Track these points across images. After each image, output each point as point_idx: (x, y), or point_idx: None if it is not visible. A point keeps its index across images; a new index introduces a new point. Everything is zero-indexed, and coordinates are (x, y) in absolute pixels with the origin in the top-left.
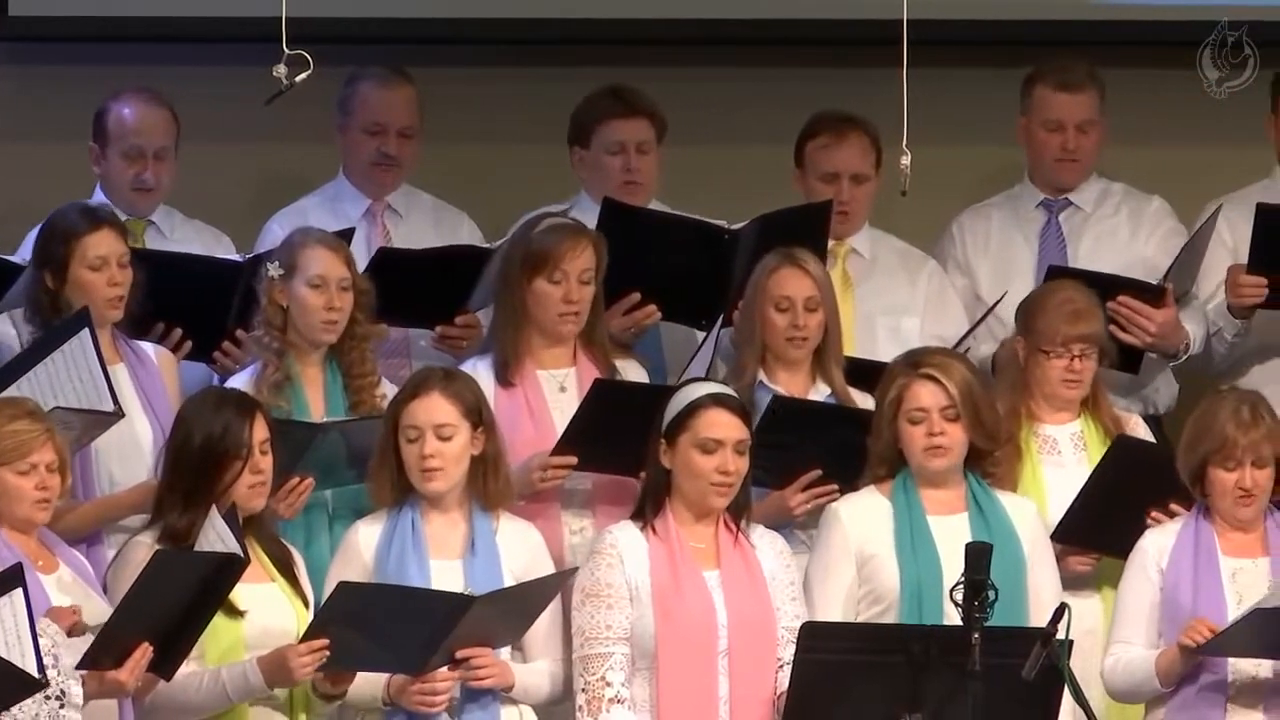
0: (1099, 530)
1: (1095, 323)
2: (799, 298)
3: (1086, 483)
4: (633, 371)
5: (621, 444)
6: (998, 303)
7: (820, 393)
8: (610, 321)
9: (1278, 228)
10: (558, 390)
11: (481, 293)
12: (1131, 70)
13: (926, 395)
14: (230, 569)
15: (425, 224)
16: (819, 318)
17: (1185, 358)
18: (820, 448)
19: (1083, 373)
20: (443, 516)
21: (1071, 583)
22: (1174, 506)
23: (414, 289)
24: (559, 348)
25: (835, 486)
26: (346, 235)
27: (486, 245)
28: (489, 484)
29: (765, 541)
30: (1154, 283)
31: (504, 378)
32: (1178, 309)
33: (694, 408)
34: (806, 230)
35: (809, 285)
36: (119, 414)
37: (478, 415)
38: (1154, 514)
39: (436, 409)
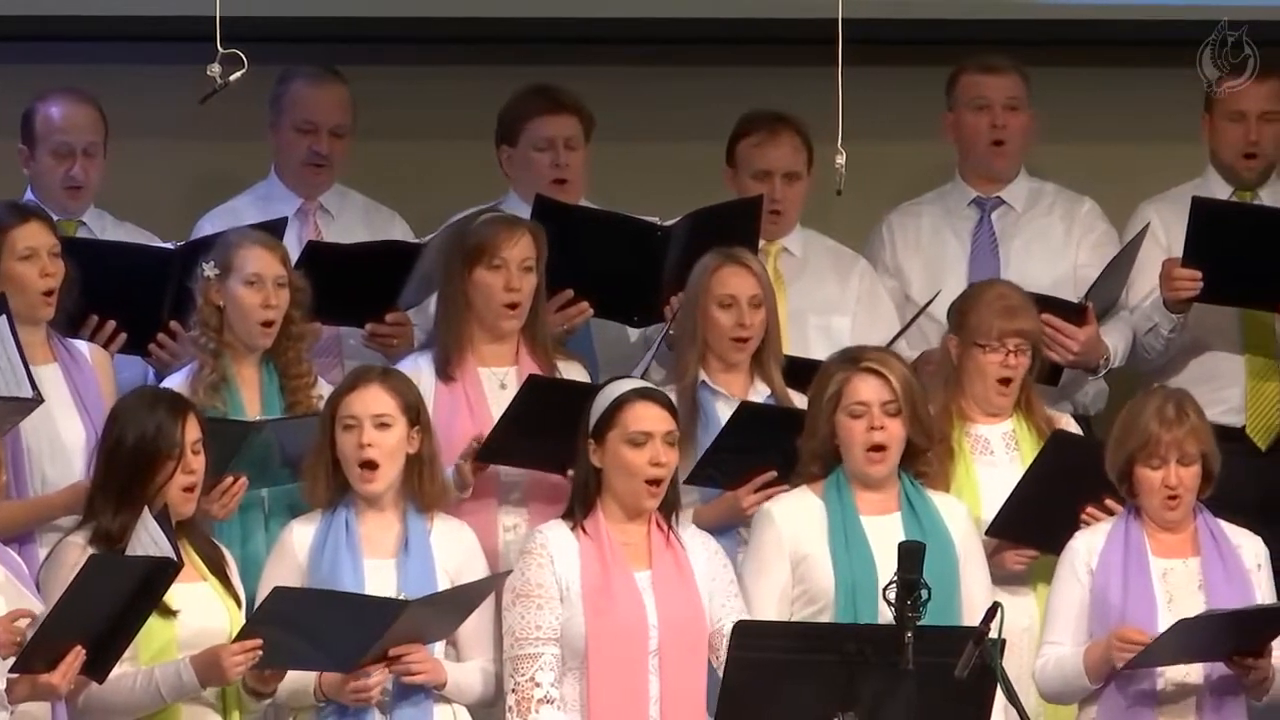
0: (1034, 526)
1: (1030, 319)
2: (743, 296)
3: (1022, 478)
4: (574, 373)
5: (551, 441)
6: (930, 302)
7: (760, 392)
8: None
9: (1212, 221)
10: (498, 387)
11: (410, 292)
12: (1065, 69)
13: (868, 389)
14: (164, 572)
15: (357, 223)
16: (762, 316)
17: (1104, 372)
18: (777, 451)
19: (1017, 368)
20: (377, 516)
21: (1006, 581)
22: (1110, 503)
23: (344, 285)
24: (501, 345)
25: (787, 486)
26: (278, 227)
27: (415, 240)
28: (424, 484)
29: (697, 541)
30: (1076, 301)
31: (445, 372)
32: (1101, 322)
33: (620, 403)
34: (738, 226)
35: (753, 283)
36: (38, 400)
37: (415, 413)
38: (1089, 511)
39: (375, 399)
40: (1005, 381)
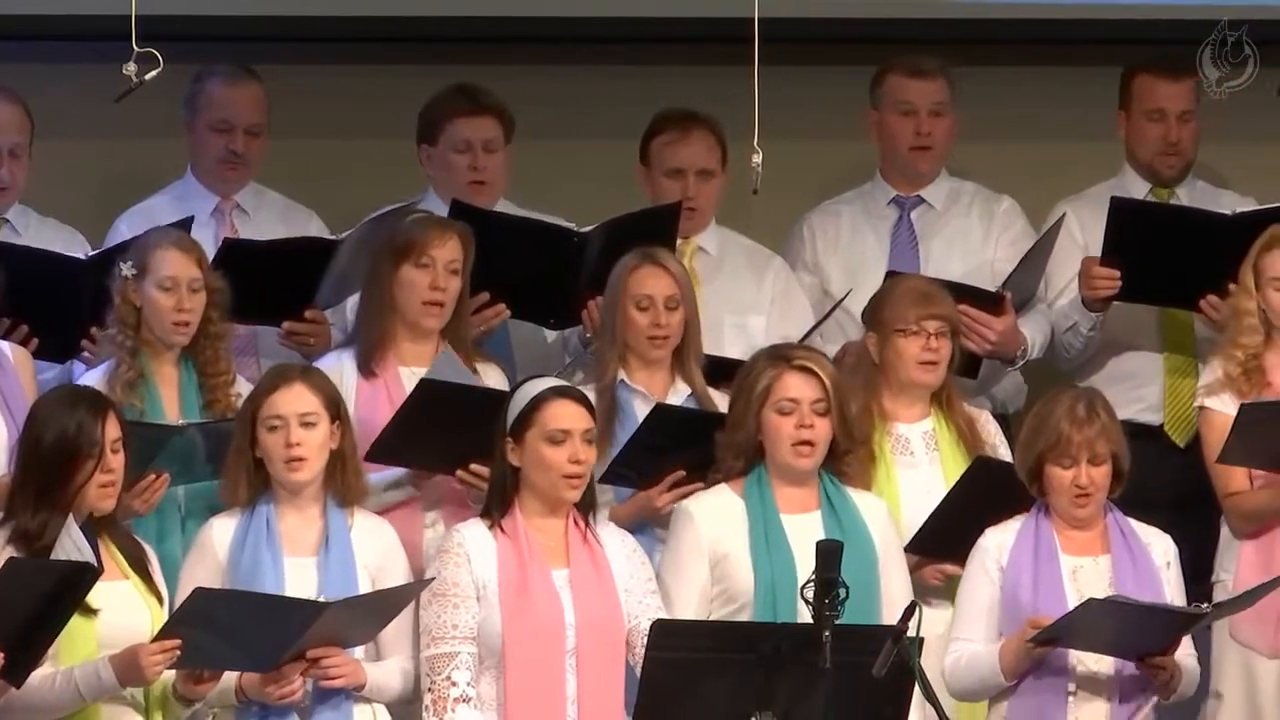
0: (953, 544)
1: (945, 305)
2: (660, 296)
3: (945, 498)
4: (493, 375)
5: (442, 443)
6: (844, 298)
7: (680, 392)
8: None
9: (1131, 220)
10: None
11: (327, 290)
12: (983, 68)
13: (798, 387)
14: (83, 576)
15: (273, 222)
16: (680, 316)
17: (1022, 363)
18: (692, 452)
19: (939, 352)
20: (297, 514)
21: (924, 593)
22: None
23: (261, 284)
24: (422, 345)
25: (701, 485)
26: (185, 225)
27: (332, 237)
28: (344, 480)
29: (615, 539)
30: (994, 290)
31: (366, 368)
32: (1019, 314)
33: (538, 402)
34: (655, 233)
35: (669, 284)
36: None
37: (336, 409)
38: None
39: (300, 398)
40: (929, 364)
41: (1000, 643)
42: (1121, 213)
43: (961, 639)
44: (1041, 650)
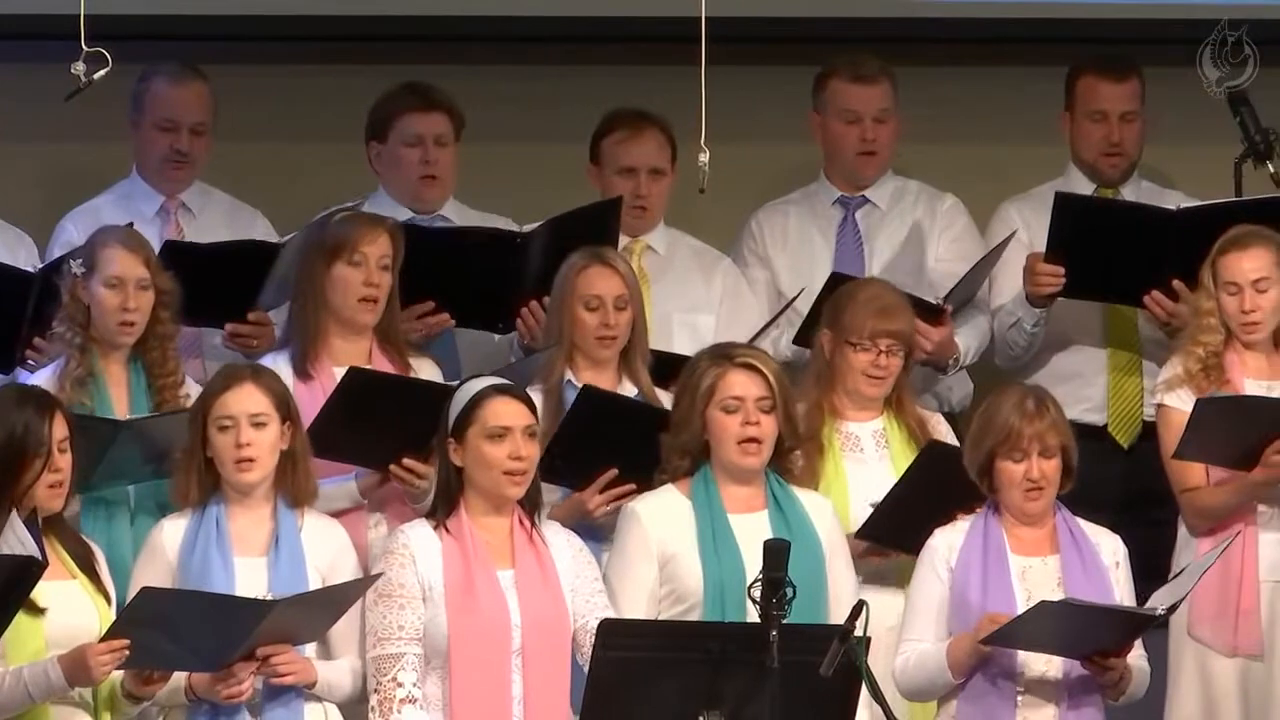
0: (902, 531)
1: (904, 320)
2: (609, 296)
3: (896, 484)
4: (427, 370)
5: (374, 437)
6: (791, 303)
7: (627, 391)
8: (402, 325)
9: (1075, 216)
10: None
11: (270, 292)
12: (929, 68)
13: (743, 384)
14: (28, 572)
15: (219, 221)
16: (628, 316)
17: (953, 371)
18: (622, 445)
19: (888, 369)
20: (248, 514)
21: (874, 580)
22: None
23: (203, 285)
24: (357, 343)
25: (633, 486)
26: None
27: (275, 240)
28: (294, 480)
29: (560, 539)
30: (934, 301)
31: (302, 370)
32: (961, 317)
33: (478, 400)
34: (597, 228)
35: (618, 284)
36: None
37: (287, 410)
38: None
39: (250, 399)
40: (876, 379)
41: (949, 641)
42: (1065, 209)
43: (912, 639)
44: (989, 649)
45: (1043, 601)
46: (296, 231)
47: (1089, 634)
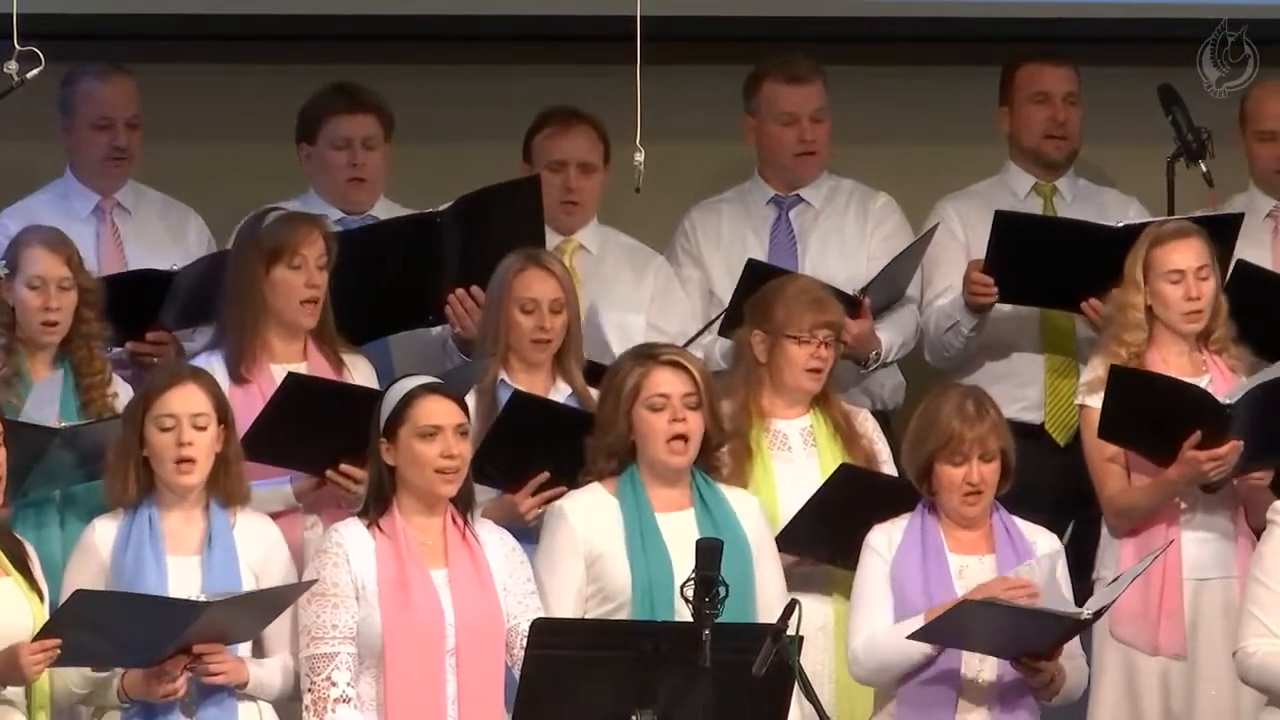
0: (819, 542)
1: (837, 311)
2: (544, 299)
3: (809, 501)
4: (361, 368)
5: (311, 442)
6: (723, 314)
7: (561, 392)
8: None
9: (1014, 233)
10: None
11: (172, 312)
12: (865, 67)
13: (669, 382)
14: None
15: (153, 220)
16: (563, 319)
17: (875, 367)
18: (551, 450)
19: (827, 360)
20: (181, 513)
21: (800, 584)
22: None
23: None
24: (293, 343)
25: (564, 489)
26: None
27: (169, 269)
28: (227, 482)
29: (494, 538)
30: (851, 293)
31: (237, 374)
32: (883, 316)
33: (409, 399)
34: (518, 206)
35: (554, 286)
36: None
37: (224, 412)
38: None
39: (193, 399)
40: (816, 372)
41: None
42: (1004, 226)
43: (867, 622)
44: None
45: (965, 600)
46: (197, 259)
47: (1016, 635)
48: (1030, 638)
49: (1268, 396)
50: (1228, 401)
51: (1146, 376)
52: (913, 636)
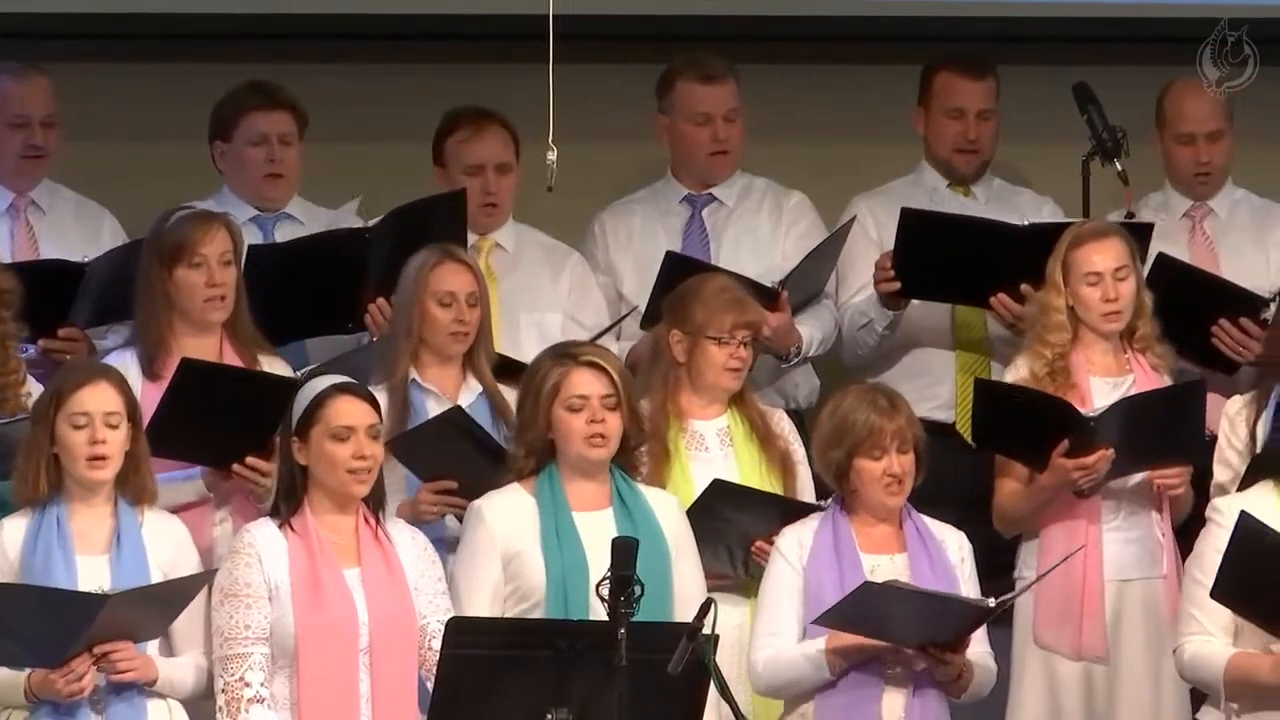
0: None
1: (756, 311)
2: (462, 293)
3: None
4: (277, 368)
5: (214, 433)
6: (625, 316)
7: (472, 389)
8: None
9: (920, 231)
10: None
11: (83, 309)
12: (778, 66)
13: (588, 383)
14: None
15: (68, 219)
16: (479, 313)
17: (796, 360)
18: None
19: (745, 360)
20: (89, 511)
21: (719, 588)
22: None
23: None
24: (206, 340)
25: (463, 506)
26: None
27: (80, 260)
28: (135, 479)
29: (405, 537)
30: (770, 286)
31: (151, 371)
32: (802, 311)
33: (322, 399)
34: (445, 222)
35: (470, 280)
36: None
37: (133, 411)
38: (757, 546)
39: (106, 397)
40: (736, 371)
41: (821, 643)
42: (910, 223)
43: (771, 634)
44: (867, 646)
45: (867, 582)
46: (104, 252)
47: (918, 622)
48: (931, 625)
49: (1134, 409)
50: (1090, 414)
51: (1009, 389)
52: (818, 622)
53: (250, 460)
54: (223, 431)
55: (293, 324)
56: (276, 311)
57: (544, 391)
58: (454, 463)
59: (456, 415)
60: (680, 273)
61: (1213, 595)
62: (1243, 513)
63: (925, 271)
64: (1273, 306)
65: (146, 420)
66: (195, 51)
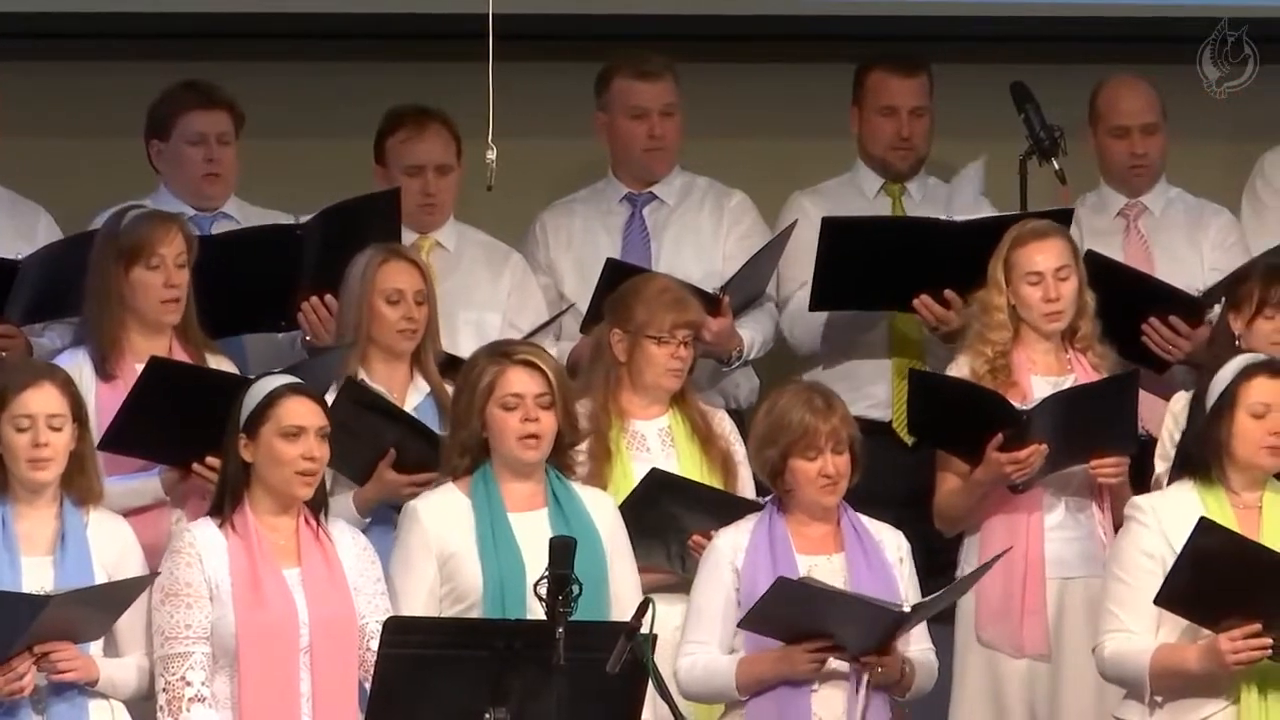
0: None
1: (696, 311)
2: (409, 290)
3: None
4: (224, 367)
5: (175, 431)
6: (570, 308)
7: (420, 389)
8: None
9: (843, 241)
10: None
11: (20, 305)
12: (717, 64)
13: (522, 381)
14: None
15: (1, 216)
16: (426, 310)
17: (737, 365)
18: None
19: (686, 359)
20: (34, 512)
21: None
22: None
23: None
24: (157, 340)
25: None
26: None
27: (14, 258)
28: (81, 480)
29: (346, 538)
30: (711, 290)
31: (104, 371)
32: (744, 313)
33: (273, 398)
34: (379, 220)
35: (418, 278)
36: None
37: (79, 411)
38: (694, 538)
39: (50, 399)
40: (677, 371)
41: (738, 657)
42: (832, 231)
43: (696, 641)
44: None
45: (781, 578)
46: (42, 247)
47: (839, 622)
48: (857, 627)
49: (1068, 402)
50: (1024, 407)
51: (943, 379)
52: (741, 625)
53: (209, 460)
54: (185, 430)
55: (225, 319)
56: (207, 306)
57: (479, 389)
58: (376, 451)
59: (351, 388)
60: (620, 279)
61: (1158, 601)
62: (1202, 518)
63: (844, 281)
64: (1217, 308)
65: (100, 420)
66: (132, 49)
